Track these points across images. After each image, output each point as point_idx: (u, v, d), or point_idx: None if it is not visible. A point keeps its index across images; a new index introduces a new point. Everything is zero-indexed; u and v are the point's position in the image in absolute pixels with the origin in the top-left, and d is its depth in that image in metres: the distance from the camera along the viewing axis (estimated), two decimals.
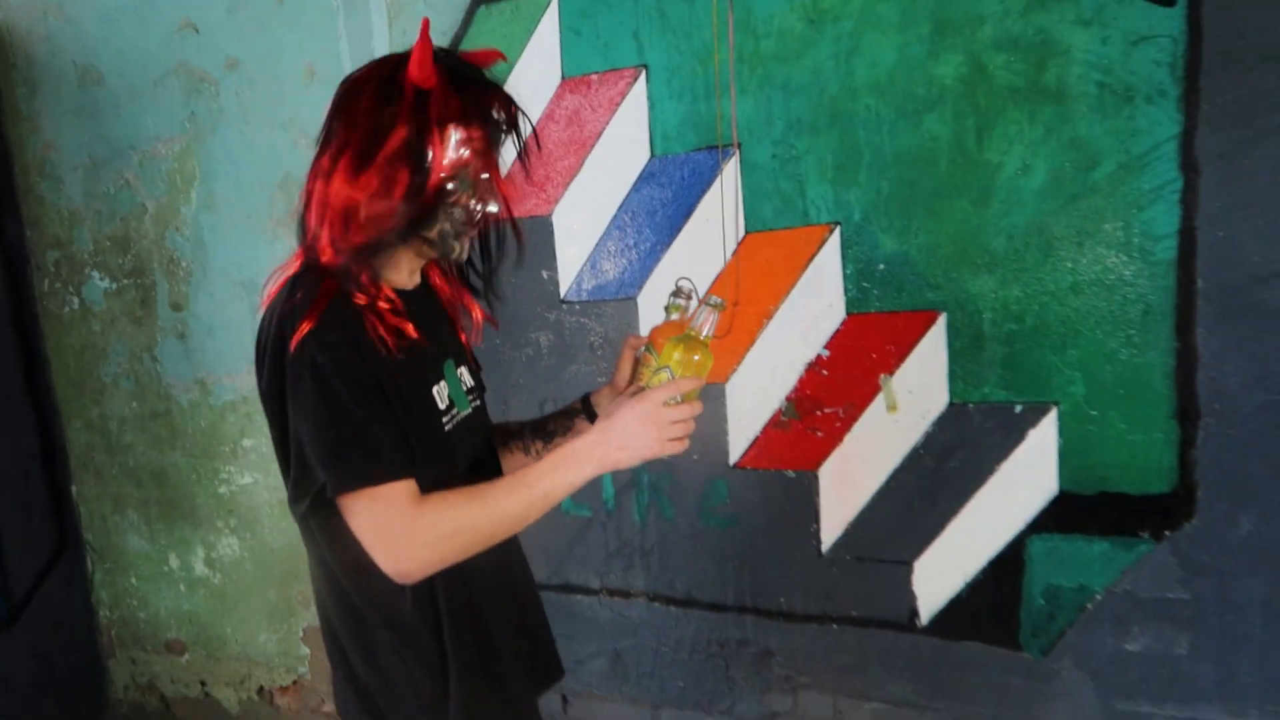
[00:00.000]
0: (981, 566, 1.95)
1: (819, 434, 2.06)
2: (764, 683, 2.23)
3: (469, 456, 1.31)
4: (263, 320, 1.16)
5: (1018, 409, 1.86)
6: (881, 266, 1.93)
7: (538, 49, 2.13)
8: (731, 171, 2.02)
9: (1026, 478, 1.88)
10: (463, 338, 1.43)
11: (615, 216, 2.17)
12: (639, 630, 2.34)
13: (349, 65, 2.30)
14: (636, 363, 1.44)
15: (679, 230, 2.11)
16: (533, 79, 2.16)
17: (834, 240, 1.96)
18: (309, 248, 1.16)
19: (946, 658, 2.02)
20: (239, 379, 2.72)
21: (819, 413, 2.05)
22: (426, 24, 1.15)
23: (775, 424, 2.10)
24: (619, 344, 2.22)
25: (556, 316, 2.29)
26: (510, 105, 1.23)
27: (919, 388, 1.94)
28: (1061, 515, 1.86)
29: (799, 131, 1.95)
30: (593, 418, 1.51)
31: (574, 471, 1.17)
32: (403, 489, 1.10)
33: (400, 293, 1.23)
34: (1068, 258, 1.77)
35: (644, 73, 2.05)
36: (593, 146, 2.14)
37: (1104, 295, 1.76)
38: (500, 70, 2.15)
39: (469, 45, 2.18)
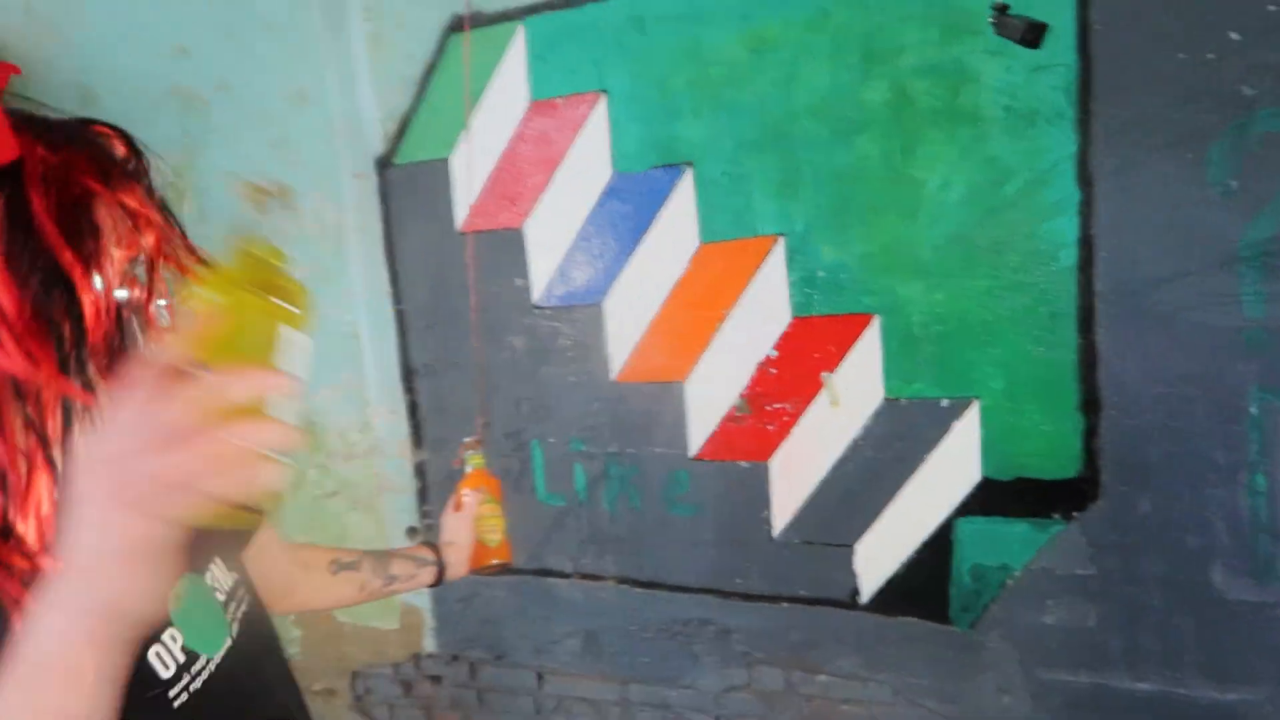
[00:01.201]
0: (915, 548, 2.17)
1: (770, 428, 2.28)
2: (723, 659, 2.45)
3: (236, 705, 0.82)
4: None
5: (944, 403, 2.09)
6: (822, 274, 2.15)
7: (507, 74, 2.35)
8: (687, 186, 2.24)
9: (953, 466, 2.10)
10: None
11: (581, 229, 2.38)
12: (609, 611, 2.56)
13: (335, 89, 2.52)
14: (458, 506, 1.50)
15: (640, 241, 2.33)
16: (503, 102, 2.37)
17: (779, 250, 2.18)
18: None
19: (886, 633, 2.24)
20: None
21: (769, 408, 2.27)
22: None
23: (730, 419, 2.32)
24: (589, 346, 2.44)
25: (530, 321, 2.51)
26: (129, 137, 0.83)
27: (857, 384, 2.16)
28: (984, 500, 2.08)
29: (747, 150, 2.16)
30: (441, 567, 1.45)
31: None
32: None
33: None
34: (985, 265, 1.99)
35: (605, 97, 2.27)
36: (559, 164, 2.36)
37: (1017, 298, 1.98)
38: (471, 94, 2.39)
39: (441, 72, 2.40)
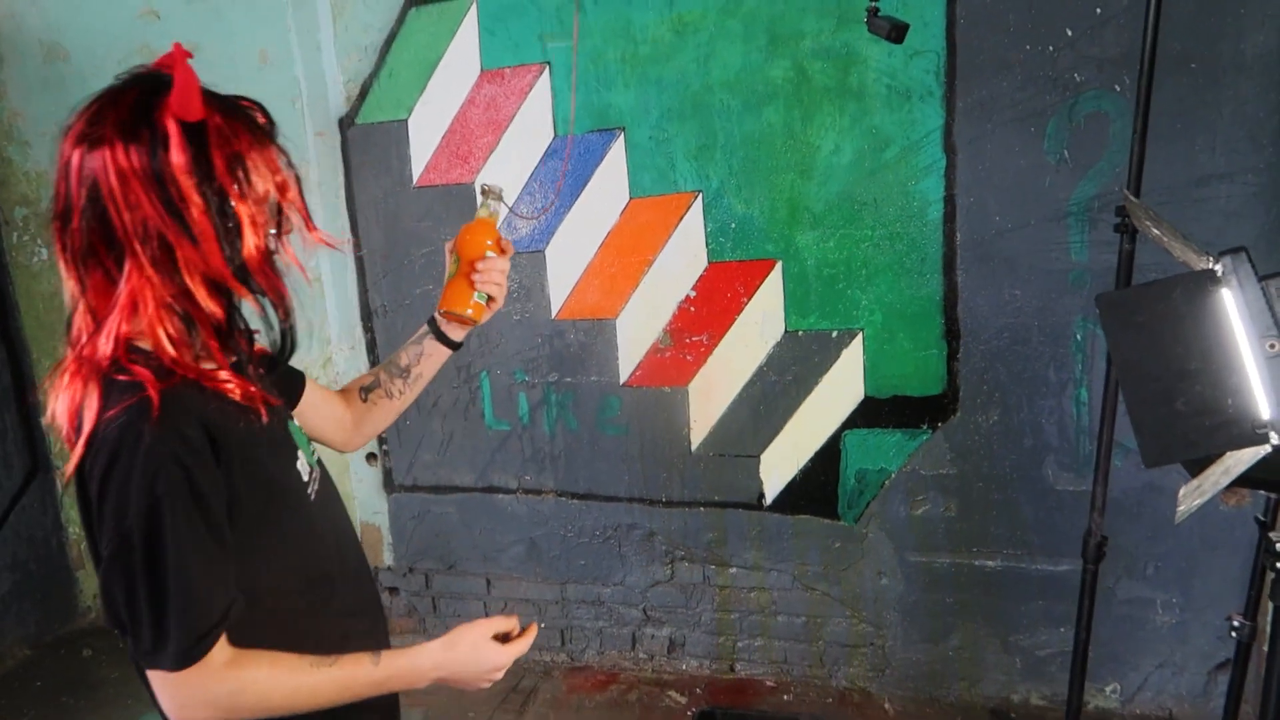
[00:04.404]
0: (810, 457, 2.45)
1: (689, 358, 2.52)
2: (648, 558, 2.70)
3: (331, 520, 1.18)
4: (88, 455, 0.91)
5: (834, 334, 2.36)
6: (733, 225, 2.38)
7: (460, 46, 2.50)
8: (618, 148, 2.45)
9: (841, 387, 2.38)
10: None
11: (526, 184, 2.56)
12: (549, 521, 2.78)
13: (298, 53, 2.63)
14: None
15: (577, 196, 2.52)
16: (457, 70, 2.52)
17: (698, 205, 2.40)
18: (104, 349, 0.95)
19: (786, 529, 2.53)
20: None
21: (688, 340, 2.50)
22: (180, 49, 0.97)
23: (655, 351, 2.55)
24: (531, 288, 2.63)
25: None
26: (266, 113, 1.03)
27: (763, 319, 2.41)
28: (867, 414, 2.37)
29: (670, 118, 2.37)
30: (439, 333, 1.36)
31: (407, 685, 1.09)
32: (217, 652, 0.95)
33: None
34: (869, 218, 2.26)
35: (547, 68, 2.45)
36: (507, 127, 2.53)
37: (894, 246, 2.25)
38: (428, 63, 2.53)
39: (401, 43, 2.53)
